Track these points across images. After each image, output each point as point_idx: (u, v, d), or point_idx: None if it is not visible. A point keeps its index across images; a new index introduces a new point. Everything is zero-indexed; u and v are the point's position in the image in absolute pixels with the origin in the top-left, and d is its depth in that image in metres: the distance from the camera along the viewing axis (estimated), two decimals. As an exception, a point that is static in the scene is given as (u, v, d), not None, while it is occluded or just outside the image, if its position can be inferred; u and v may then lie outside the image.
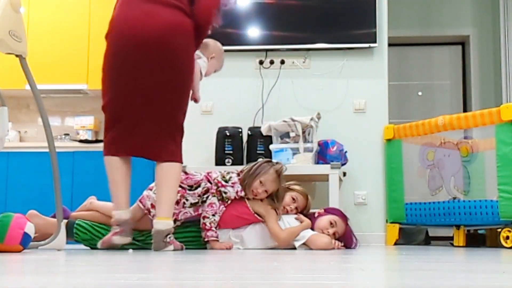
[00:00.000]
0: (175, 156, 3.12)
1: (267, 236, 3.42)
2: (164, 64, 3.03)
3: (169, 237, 3.06)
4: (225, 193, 3.42)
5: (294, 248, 3.43)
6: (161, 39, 3.00)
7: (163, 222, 3.04)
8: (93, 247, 3.37)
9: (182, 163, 3.16)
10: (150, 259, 2.48)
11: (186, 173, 3.52)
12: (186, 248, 3.36)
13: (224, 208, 3.42)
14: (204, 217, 3.37)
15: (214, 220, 3.37)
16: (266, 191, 3.46)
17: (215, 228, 3.38)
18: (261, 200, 3.49)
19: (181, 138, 3.18)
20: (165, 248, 3.03)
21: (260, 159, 3.77)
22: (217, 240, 3.37)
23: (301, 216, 3.48)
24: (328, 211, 3.60)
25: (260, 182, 3.44)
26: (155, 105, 3.07)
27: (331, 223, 3.47)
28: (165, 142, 3.10)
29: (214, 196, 3.41)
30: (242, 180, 3.47)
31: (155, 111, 3.07)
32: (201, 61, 3.45)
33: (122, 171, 3.09)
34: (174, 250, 3.09)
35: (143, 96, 3.06)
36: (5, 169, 5.19)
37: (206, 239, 3.36)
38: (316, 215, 3.55)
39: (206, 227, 3.36)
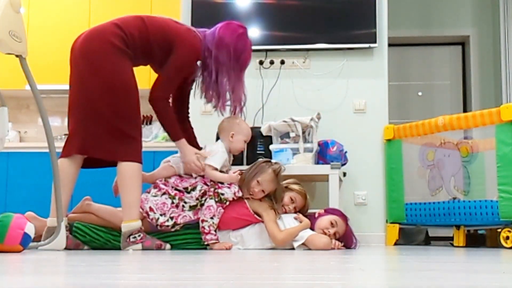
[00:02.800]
0: (115, 154, 3.22)
1: (266, 236, 3.42)
2: (82, 67, 3.25)
3: (134, 237, 3.20)
4: (222, 194, 3.42)
5: (293, 248, 3.43)
6: (79, 45, 3.29)
7: (124, 226, 3.22)
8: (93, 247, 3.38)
9: (129, 161, 3.22)
10: (150, 259, 2.48)
11: (180, 176, 3.52)
12: (186, 249, 3.36)
13: (222, 210, 3.41)
14: (202, 221, 3.37)
15: (213, 223, 3.36)
16: (263, 191, 3.46)
17: (214, 231, 3.37)
18: (260, 200, 3.49)
19: (125, 139, 3.22)
20: (128, 247, 3.20)
21: (260, 159, 3.77)
22: (217, 242, 3.37)
23: (301, 216, 3.48)
24: (329, 211, 3.60)
25: (258, 181, 3.44)
26: (89, 102, 3.22)
27: (331, 223, 3.47)
28: (104, 142, 3.20)
29: (212, 198, 3.40)
30: (241, 179, 3.47)
31: (90, 108, 3.22)
32: (217, 150, 3.55)
33: (62, 174, 3.08)
34: (143, 249, 3.20)
35: (72, 97, 3.31)
36: (5, 169, 5.19)
37: (206, 243, 3.36)
38: (316, 215, 3.55)
39: (205, 231, 3.35)
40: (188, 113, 3.71)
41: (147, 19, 3.37)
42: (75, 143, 3.24)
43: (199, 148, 3.61)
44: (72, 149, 3.24)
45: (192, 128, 3.73)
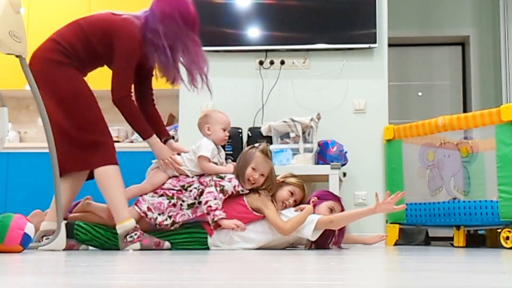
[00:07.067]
0: (88, 164, 3.20)
1: (268, 231, 3.38)
2: (40, 92, 3.12)
3: (130, 237, 3.19)
4: (223, 186, 3.40)
5: (295, 248, 3.43)
6: (30, 65, 3.18)
7: (119, 227, 3.21)
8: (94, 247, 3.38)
9: (103, 165, 3.19)
10: (150, 259, 2.48)
11: (176, 177, 3.50)
12: (187, 249, 3.36)
13: (223, 197, 3.38)
14: (206, 202, 3.33)
15: (217, 202, 3.33)
16: (262, 174, 3.44)
17: (220, 211, 3.33)
18: (259, 193, 3.45)
19: (94, 146, 3.19)
20: (127, 247, 3.18)
21: (244, 149, 3.69)
22: (225, 218, 3.33)
23: (301, 206, 3.45)
24: (321, 197, 3.56)
25: (253, 168, 3.42)
26: (51, 121, 3.13)
27: (330, 210, 3.46)
28: (75, 156, 3.18)
29: (212, 186, 3.39)
30: (236, 174, 3.46)
31: (53, 127, 3.11)
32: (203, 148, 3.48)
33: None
34: (141, 249, 3.17)
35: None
36: (5, 169, 5.19)
37: (215, 219, 3.30)
38: (311, 204, 3.50)
39: (212, 208, 3.31)
40: (153, 99, 3.60)
41: (83, 21, 3.35)
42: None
43: (167, 134, 3.58)
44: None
45: (159, 114, 3.63)
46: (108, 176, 3.21)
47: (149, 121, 3.55)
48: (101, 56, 3.35)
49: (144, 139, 3.43)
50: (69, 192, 3.23)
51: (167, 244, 3.30)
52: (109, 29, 3.31)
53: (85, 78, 3.37)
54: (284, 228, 3.32)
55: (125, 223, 3.20)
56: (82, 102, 3.23)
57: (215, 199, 3.34)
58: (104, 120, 3.30)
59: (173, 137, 3.65)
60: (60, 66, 3.22)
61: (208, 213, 3.33)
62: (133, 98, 3.40)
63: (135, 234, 3.21)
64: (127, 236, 3.19)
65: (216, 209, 3.32)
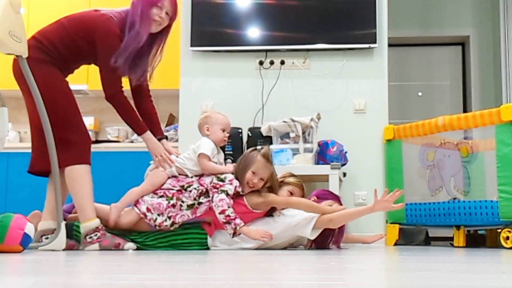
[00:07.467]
0: (61, 163, 3.13)
1: (267, 229, 3.39)
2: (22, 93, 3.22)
3: (90, 237, 3.17)
4: (227, 190, 3.39)
5: (295, 248, 3.42)
6: (13, 63, 3.24)
7: (82, 227, 3.19)
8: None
9: (71, 165, 3.18)
10: (150, 259, 2.48)
11: (175, 177, 3.49)
12: (187, 249, 3.36)
13: (232, 202, 3.39)
14: (223, 211, 3.31)
15: (232, 210, 3.32)
16: (261, 179, 3.43)
17: (239, 218, 3.32)
18: (259, 192, 3.45)
19: (64, 145, 3.16)
20: (87, 247, 3.17)
21: (246, 151, 3.70)
22: (245, 226, 3.32)
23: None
24: (321, 197, 3.56)
25: (253, 172, 3.41)
26: (30, 119, 3.21)
27: None
28: (45, 153, 3.12)
29: (221, 192, 3.38)
30: (236, 177, 3.46)
31: (31, 125, 3.19)
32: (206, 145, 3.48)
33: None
34: (101, 249, 3.16)
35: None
36: (5, 169, 5.19)
37: (237, 228, 3.29)
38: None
39: (231, 217, 3.30)
40: (149, 95, 3.58)
41: (65, 20, 3.35)
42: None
43: (162, 133, 3.59)
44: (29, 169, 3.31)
45: (155, 112, 3.60)
46: (76, 175, 3.19)
47: (145, 118, 3.55)
48: (85, 54, 3.34)
49: (138, 134, 3.44)
50: (53, 193, 3.19)
51: (129, 245, 3.24)
52: (89, 26, 3.30)
53: (88, 78, 3.36)
54: (289, 200, 3.38)
55: (87, 223, 3.19)
56: (58, 100, 3.21)
57: (229, 207, 3.33)
58: (81, 120, 3.29)
59: (166, 137, 3.65)
60: (39, 64, 3.18)
61: (228, 222, 3.31)
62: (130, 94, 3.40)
63: (95, 235, 3.18)
64: (87, 237, 3.17)
65: (236, 217, 3.31)
